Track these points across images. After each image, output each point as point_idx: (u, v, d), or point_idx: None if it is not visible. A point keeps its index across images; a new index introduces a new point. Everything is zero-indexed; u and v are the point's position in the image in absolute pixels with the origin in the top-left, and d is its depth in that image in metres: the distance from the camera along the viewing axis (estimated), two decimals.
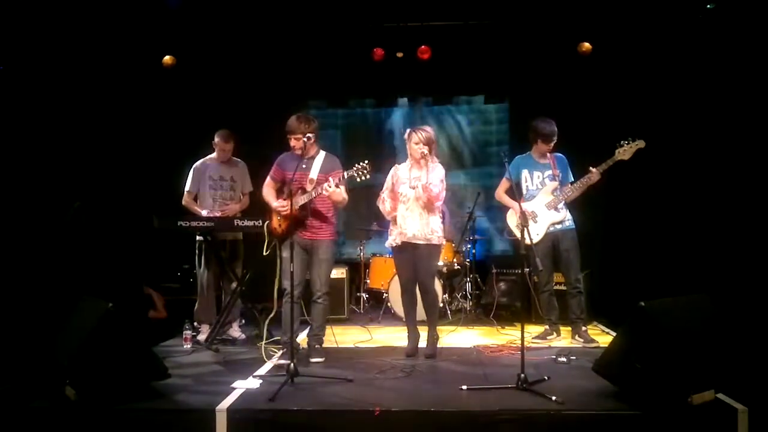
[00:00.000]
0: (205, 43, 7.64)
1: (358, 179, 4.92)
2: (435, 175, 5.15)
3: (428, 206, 5.15)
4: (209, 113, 7.61)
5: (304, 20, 7.44)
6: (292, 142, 5.09)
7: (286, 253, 5.10)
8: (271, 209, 5.27)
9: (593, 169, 5.49)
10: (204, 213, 5.87)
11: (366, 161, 4.92)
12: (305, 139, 4.95)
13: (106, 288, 6.01)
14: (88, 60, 7.18)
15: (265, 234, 5.27)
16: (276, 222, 5.21)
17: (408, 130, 5.29)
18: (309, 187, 5.04)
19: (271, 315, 5.30)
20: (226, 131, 6.01)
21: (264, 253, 5.26)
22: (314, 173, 5.09)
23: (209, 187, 5.99)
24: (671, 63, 7.10)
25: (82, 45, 7.05)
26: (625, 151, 5.42)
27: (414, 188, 5.17)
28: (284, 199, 5.07)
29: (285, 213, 5.05)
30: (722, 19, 6.65)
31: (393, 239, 5.31)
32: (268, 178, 5.34)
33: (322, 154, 5.21)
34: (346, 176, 4.93)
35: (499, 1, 7.29)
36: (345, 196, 5.05)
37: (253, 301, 6.20)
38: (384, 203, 5.35)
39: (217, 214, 5.87)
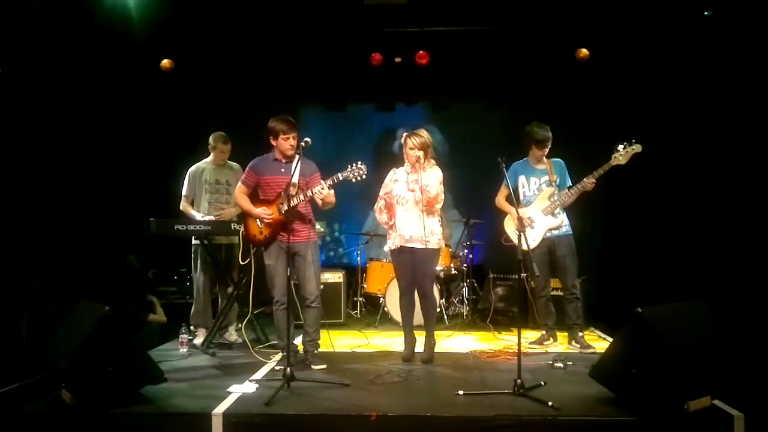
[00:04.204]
0: (204, 47, 7.65)
1: (354, 180, 4.87)
2: (433, 177, 5.15)
3: (428, 209, 5.15)
4: (206, 117, 7.63)
5: (303, 25, 7.46)
6: (290, 142, 5.00)
7: (270, 261, 5.09)
8: (248, 215, 5.18)
9: (586, 180, 5.50)
10: (199, 217, 5.86)
11: (360, 161, 4.87)
12: (303, 144, 4.94)
13: (103, 291, 6.00)
14: (86, 64, 7.18)
15: (240, 242, 5.23)
16: (256, 229, 5.11)
17: (404, 135, 5.30)
18: (292, 191, 4.93)
19: (245, 321, 5.44)
20: (223, 134, 6.02)
21: (242, 262, 5.24)
22: (295, 177, 4.97)
23: (205, 190, 5.99)
24: (669, 69, 7.13)
25: (81, 49, 7.05)
26: (621, 156, 5.42)
27: (413, 191, 5.17)
28: (270, 206, 5.04)
29: (269, 220, 5.00)
30: (720, 26, 6.67)
31: (392, 243, 5.31)
32: (240, 184, 5.19)
33: (298, 158, 5.00)
34: (341, 177, 4.87)
35: (498, 8, 7.31)
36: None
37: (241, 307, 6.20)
38: (381, 213, 5.34)
39: (210, 218, 5.86)
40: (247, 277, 5.39)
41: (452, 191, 7.15)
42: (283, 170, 5.05)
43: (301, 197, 4.95)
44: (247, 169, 5.22)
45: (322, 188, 4.84)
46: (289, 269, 4.75)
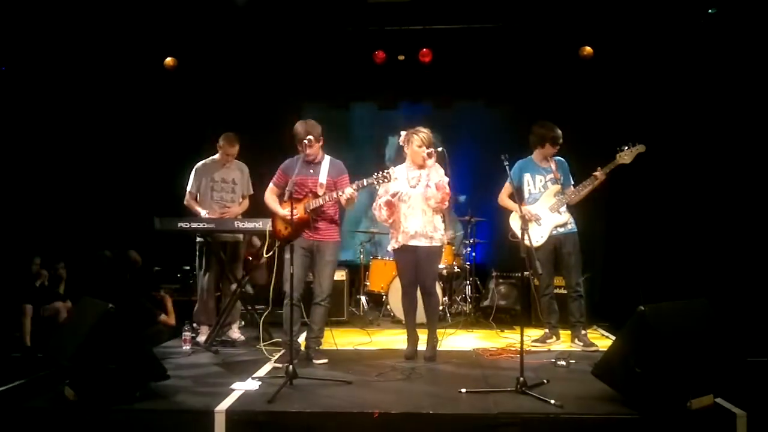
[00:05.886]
0: (207, 45, 7.66)
1: (377, 185, 4.99)
2: (440, 175, 5.15)
3: (442, 205, 5.15)
4: (210, 115, 7.63)
5: (307, 23, 7.46)
6: (308, 150, 5.05)
7: (289, 255, 5.10)
8: (274, 214, 5.25)
9: (597, 173, 5.50)
10: (204, 213, 5.86)
11: (387, 170, 4.93)
12: (306, 141, 4.98)
13: (107, 289, 6.02)
14: (91, 61, 7.19)
15: (267, 237, 5.27)
16: (281, 225, 5.17)
17: (404, 133, 5.28)
18: (320, 192, 5.06)
19: (265, 314, 5.38)
20: (232, 135, 5.99)
21: (265, 256, 5.26)
22: (323, 178, 5.12)
23: (211, 188, 6.00)
24: (673, 67, 7.11)
25: (85, 47, 7.07)
26: (626, 155, 5.44)
27: (414, 187, 5.17)
28: (296, 205, 5.02)
29: (295, 218, 5.00)
30: (724, 24, 6.66)
31: (394, 242, 5.30)
32: (271, 185, 5.30)
33: (328, 158, 5.25)
34: (365, 183, 4.93)
35: (501, 5, 7.30)
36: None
37: (252, 303, 6.21)
38: (381, 210, 5.30)
39: (214, 215, 5.87)
40: (266, 274, 5.40)
41: (454, 190, 7.15)
42: (312, 171, 5.12)
43: (327, 198, 5.03)
44: (278, 170, 5.31)
45: (352, 193, 4.94)
46: (292, 266, 4.76)
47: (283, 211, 5.10)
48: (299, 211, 5.03)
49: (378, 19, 7.49)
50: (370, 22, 7.54)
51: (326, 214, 5.16)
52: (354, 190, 4.93)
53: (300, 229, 5.08)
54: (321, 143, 5.18)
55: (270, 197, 5.28)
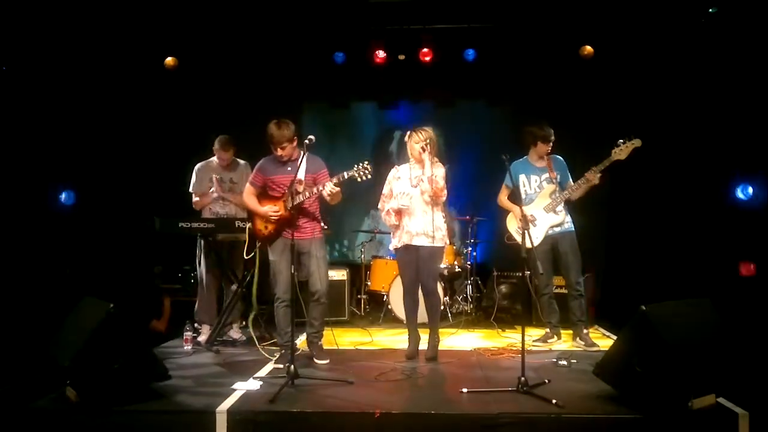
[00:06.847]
0: (208, 45, 7.65)
1: (359, 179, 4.87)
2: (437, 172, 5.14)
3: (434, 201, 5.14)
4: (211, 115, 7.62)
5: (308, 22, 7.45)
6: (280, 152, 5.07)
7: (274, 257, 5.11)
8: (254, 214, 5.23)
9: (589, 174, 5.49)
10: (215, 196, 5.92)
11: (366, 161, 4.87)
12: (307, 141, 4.97)
13: (108, 288, 6.02)
14: (91, 61, 7.19)
15: (247, 237, 5.26)
16: (261, 225, 5.17)
17: (408, 131, 5.29)
18: (299, 188, 5.00)
19: (251, 316, 5.39)
20: (225, 138, 5.99)
21: (246, 257, 5.25)
22: (301, 174, 5.04)
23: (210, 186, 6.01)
24: (674, 66, 7.11)
25: (85, 47, 7.06)
26: (621, 151, 5.41)
27: (416, 186, 5.17)
28: (276, 203, 5.07)
29: (277, 217, 5.04)
30: (724, 23, 6.65)
31: (397, 241, 5.30)
32: (248, 185, 5.27)
33: (303, 155, 5.10)
34: (346, 176, 4.88)
35: (502, 5, 7.29)
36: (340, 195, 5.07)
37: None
38: (390, 216, 5.31)
39: (209, 216, 5.91)
40: (251, 274, 5.40)
41: (455, 189, 7.14)
42: (289, 168, 5.08)
43: (307, 194, 4.98)
44: (254, 170, 5.28)
45: (333, 188, 4.87)
46: (293, 266, 4.74)
47: (264, 208, 5.11)
48: (280, 209, 5.04)
49: (378, 18, 7.48)
50: (371, 21, 7.53)
51: (307, 211, 5.12)
52: (334, 184, 4.89)
53: (282, 227, 5.05)
54: (296, 142, 5.15)
55: (248, 197, 5.25)
